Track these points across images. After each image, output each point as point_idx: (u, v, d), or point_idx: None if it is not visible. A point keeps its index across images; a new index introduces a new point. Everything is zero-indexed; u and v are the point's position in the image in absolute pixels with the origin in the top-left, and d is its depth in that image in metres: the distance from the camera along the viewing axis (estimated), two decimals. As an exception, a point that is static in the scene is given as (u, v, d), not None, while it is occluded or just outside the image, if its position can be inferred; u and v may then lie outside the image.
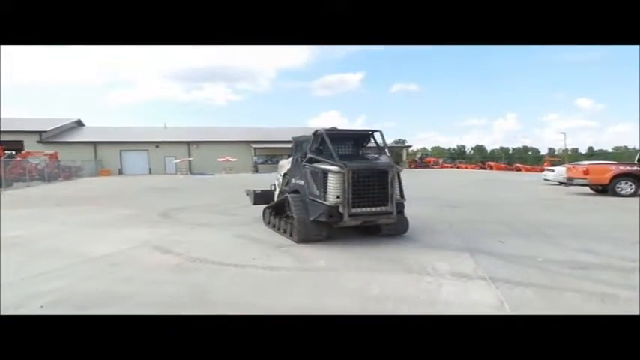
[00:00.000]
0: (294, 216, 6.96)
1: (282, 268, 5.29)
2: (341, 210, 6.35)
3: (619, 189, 14.36)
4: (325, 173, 6.59)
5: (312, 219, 6.71)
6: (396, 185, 6.77)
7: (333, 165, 6.53)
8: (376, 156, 7.58)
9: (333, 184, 6.41)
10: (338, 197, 6.36)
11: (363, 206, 6.46)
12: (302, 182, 7.26)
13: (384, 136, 7.50)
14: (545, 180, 21.93)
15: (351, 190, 6.34)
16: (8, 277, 4.87)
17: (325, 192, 6.53)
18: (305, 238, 6.81)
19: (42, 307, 3.91)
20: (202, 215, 10.45)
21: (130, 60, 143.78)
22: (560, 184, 19.69)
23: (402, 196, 7.01)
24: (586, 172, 15.02)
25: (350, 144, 7.83)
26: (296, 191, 7.46)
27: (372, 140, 7.70)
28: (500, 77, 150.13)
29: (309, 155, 7.22)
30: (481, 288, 4.41)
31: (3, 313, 3.64)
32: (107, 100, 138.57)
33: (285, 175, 8.69)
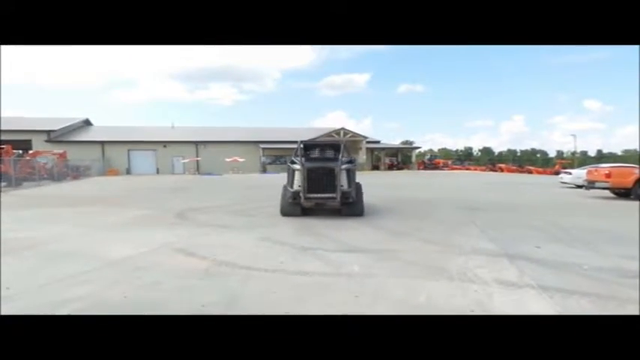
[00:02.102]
0: (280, 198, 10.20)
1: (314, 273, 5.01)
2: (301, 195, 9.35)
3: (642, 192, 14.00)
4: (293, 170, 9.78)
5: (287, 200, 9.79)
6: (343, 179, 9.46)
7: (297, 164, 9.60)
8: (345, 159, 10.09)
9: (296, 177, 9.61)
10: (299, 186, 9.41)
11: (315, 192, 9.38)
12: (288, 176, 10.27)
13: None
14: (562, 183, 21.61)
15: (306, 181, 9.28)
16: (29, 282, 4.61)
17: (292, 182, 9.75)
18: (284, 213, 9.91)
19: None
20: (219, 216, 10.20)
21: (133, 60, 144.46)
22: (578, 186, 19.35)
23: (349, 187, 9.58)
24: (608, 175, 14.69)
25: (332, 150, 11.04)
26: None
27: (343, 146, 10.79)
28: (507, 79, 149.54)
29: (292, 158, 10.38)
30: (534, 298, 4.11)
31: (3, 313, 3.49)
32: (110, 100, 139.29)
33: None
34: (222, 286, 4.54)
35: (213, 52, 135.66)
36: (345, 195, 9.42)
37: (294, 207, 9.72)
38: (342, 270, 5.21)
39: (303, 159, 9.74)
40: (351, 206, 9.71)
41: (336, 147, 11.07)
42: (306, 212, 9.90)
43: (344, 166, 9.58)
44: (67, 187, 22.29)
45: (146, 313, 3.60)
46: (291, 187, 9.69)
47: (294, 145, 11.32)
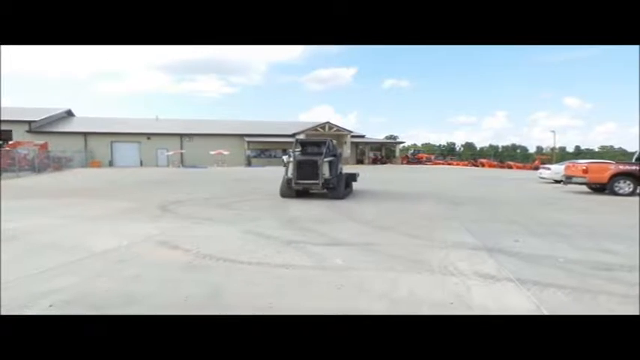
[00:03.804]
0: (280, 183, 12.84)
1: (298, 267, 5.07)
2: (293, 180, 12.10)
3: (617, 188, 14.38)
4: (288, 162, 12.62)
5: (284, 184, 12.52)
6: (325, 169, 12.09)
7: (290, 157, 12.66)
8: (330, 153, 12.98)
9: (290, 167, 12.32)
10: (291, 174, 12.16)
11: (303, 179, 12.13)
12: (285, 166, 13.00)
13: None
14: (541, 178, 22.01)
15: (296, 170, 12.08)
16: (9, 274, 4.56)
17: (287, 171, 12.52)
18: (282, 195, 12.52)
19: (51, 306, 3.66)
20: (203, 209, 10.18)
21: (118, 50, 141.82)
22: (556, 181, 19.77)
23: (330, 175, 12.27)
24: (585, 171, 15.03)
25: (324, 146, 13.08)
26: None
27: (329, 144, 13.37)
28: (490, 75, 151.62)
29: (289, 152, 13.66)
30: (511, 290, 4.23)
31: (3, 313, 3.48)
32: (94, 91, 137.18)
33: None
34: (205, 278, 4.57)
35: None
36: (326, 182, 12.16)
37: (290, 190, 12.38)
38: (325, 263, 5.29)
39: (296, 153, 12.87)
40: (332, 191, 12.42)
41: (319, 143, 13.70)
42: (299, 195, 12.67)
43: (326, 159, 12.32)
44: (48, 179, 21.90)
45: (141, 310, 3.61)
46: (287, 174, 12.51)
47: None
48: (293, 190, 12.34)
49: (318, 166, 12.02)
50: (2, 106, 40.76)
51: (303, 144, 14.31)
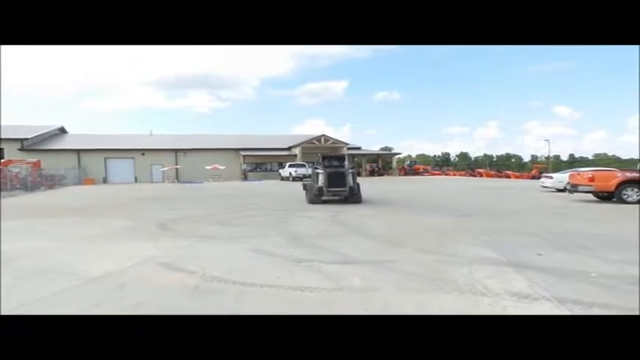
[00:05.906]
0: (307, 192, 15.72)
1: (313, 289, 4.67)
2: (323, 189, 14.34)
3: (625, 195, 14.18)
4: (317, 173, 14.92)
5: (314, 193, 14.71)
6: (350, 179, 14.51)
7: (320, 169, 14.81)
8: (350, 165, 15.69)
9: (320, 178, 14.57)
10: (322, 183, 14.36)
11: (332, 187, 14.38)
12: (312, 177, 15.90)
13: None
14: (543, 187, 21.77)
15: (327, 180, 14.35)
16: (3, 303, 4.13)
17: (317, 181, 14.74)
18: (311, 202, 14.84)
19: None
20: (203, 227, 9.77)
21: (108, 66, 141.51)
22: (559, 190, 19.54)
23: (353, 183, 14.63)
24: (591, 179, 14.83)
25: (339, 159, 16.04)
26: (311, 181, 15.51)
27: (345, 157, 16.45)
28: (481, 86, 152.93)
29: (315, 165, 16.05)
30: (553, 311, 3.87)
31: (3, 313, 3.48)
32: (85, 108, 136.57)
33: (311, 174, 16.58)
34: (214, 305, 4.17)
35: (189, 59, 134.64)
36: (351, 189, 14.55)
37: (318, 197, 14.63)
38: (342, 284, 4.90)
39: (322, 166, 15.04)
40: (354, 196, 14.76)
41: (340, 157, 16.63)
42: (323, 202, 14.71)
43: (350, 170, 14.95)
44: (41, 197, 21.39)
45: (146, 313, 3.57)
46: (317, 184, 14.70)
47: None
48: (320, 197, 14.59)
49: (345, 176, 14.52)
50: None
51: (324, 157, 16.19)
